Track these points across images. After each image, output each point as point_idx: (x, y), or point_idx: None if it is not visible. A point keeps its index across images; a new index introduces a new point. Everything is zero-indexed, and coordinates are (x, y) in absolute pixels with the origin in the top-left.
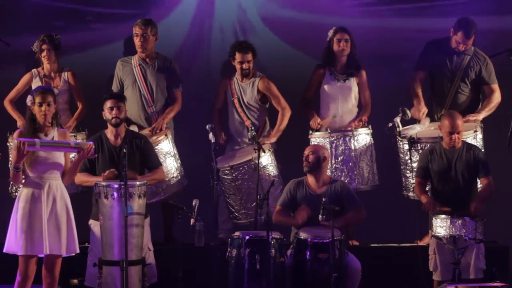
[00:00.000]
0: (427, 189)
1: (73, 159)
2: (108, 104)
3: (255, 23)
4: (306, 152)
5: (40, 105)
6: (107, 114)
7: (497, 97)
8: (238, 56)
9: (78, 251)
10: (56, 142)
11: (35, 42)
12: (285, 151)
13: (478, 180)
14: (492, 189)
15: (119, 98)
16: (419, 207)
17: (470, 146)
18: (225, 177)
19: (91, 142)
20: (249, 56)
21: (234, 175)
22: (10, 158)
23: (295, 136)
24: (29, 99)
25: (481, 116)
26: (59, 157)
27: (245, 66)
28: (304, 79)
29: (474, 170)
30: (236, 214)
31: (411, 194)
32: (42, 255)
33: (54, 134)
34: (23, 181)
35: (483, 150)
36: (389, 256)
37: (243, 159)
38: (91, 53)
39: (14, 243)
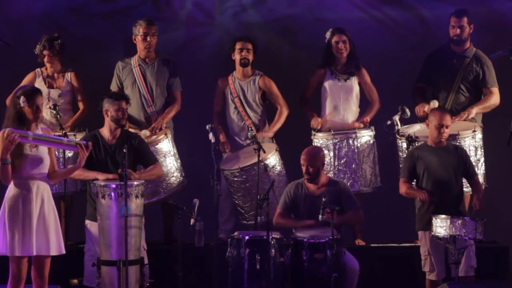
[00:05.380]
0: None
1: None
2: (117, 105)
3: (254, 22)
4: (304, 163)
5: (37, 107)
6: (114, 115)
7: (494, 99)
8: (238, 44)
9: (64, 251)
10: (49, 137)
11: (38, 44)
12: (288, 151)
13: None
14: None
15: (127, 99)
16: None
17: (455, 146)
18: (234, 179)
19: (85, 142)
20: (249, 45)
21: (244, 177)
22: None
23: (298, 136)
24: (22, 100)
25: (473, 111)
26: (46, 157)
27: (244, 53)
28: (304, 78)
29: (461, 168)
30: (246, 215)
31: None
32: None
33: (38, 132)
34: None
35: (483, 150)
36: (389, 256)
37: (252, 161)
38: (91, 53)
39: (2, 244)
